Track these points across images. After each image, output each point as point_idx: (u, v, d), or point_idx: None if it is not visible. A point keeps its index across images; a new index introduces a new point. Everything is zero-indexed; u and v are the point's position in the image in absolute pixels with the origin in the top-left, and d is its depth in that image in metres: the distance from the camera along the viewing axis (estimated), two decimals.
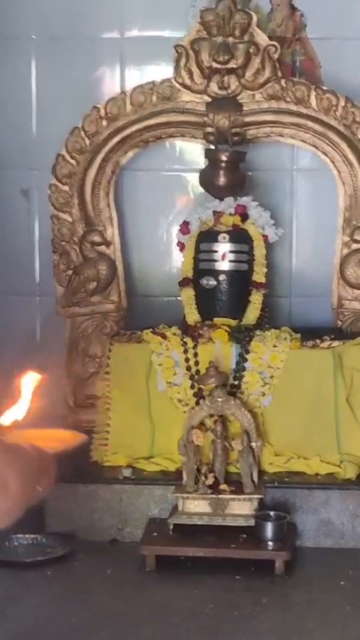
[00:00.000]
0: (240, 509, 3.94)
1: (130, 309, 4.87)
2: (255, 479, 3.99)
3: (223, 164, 4.63)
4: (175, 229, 4.76)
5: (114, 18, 4.92)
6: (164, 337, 4.33)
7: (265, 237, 4.57)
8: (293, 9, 4.88)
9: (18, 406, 2.20)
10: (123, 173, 4.87)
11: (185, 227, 4.63)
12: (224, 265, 4.52)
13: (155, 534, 3.94)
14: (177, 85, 4.66)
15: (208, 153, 4.72)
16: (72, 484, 4.15)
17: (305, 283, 4.97)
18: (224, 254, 4.52)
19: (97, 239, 4.77)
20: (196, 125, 4.69)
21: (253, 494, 3.95)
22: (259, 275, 4.54)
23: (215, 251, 4.53)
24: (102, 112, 4.67)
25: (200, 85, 4.64)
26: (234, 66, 4.57)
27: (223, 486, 3.97)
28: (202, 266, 4.56)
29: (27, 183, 5.03)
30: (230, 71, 4.59)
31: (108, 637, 3.37)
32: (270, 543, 3.83)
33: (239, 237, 4.54)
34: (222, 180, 4.64)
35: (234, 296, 4.51)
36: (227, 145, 4.66)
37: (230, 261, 4.52)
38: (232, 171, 4.65)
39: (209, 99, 4.65)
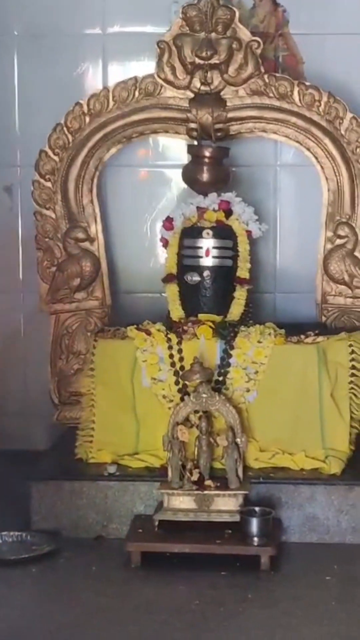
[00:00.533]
0: (226, 504, 3.94)
1: (114, 305, 4.86)
2: (240, 474, 3.99)
3: (206, 160, 4.63)
4: (159, 225, 4.75)
5: (96, 14, 4.92)
6: (149, 333, 4.33)
7: (249, 232, 4.57)
8: (275, 4, 4.88)
9: None
10: (106, 169, 4.86)
11: (168, 223, 4.62)
12: (208, 261, 4.51)
13: (140, 530, 3.93)
14: (160, 81, 4.66)
15: (191, 149, 4.71)
16: (57, 481, 4.15)
17: (290, 279, 4.98)
18: (207, 249, 4.51)
19: (80, 235, 4.77)
20: (179, 121, 4.69)
21: (238, 490, 3.95)
22: (243, 271, 4.54)
23: (199, 247, 4.52)
24: (85, 108, 4.66)
25: (183, 81, 4.64)
26: (217, 62, 4.57)
27: (208, 482, 3.97)
28: (186, 262, 4.55)
29: (10, 180, 5.03)
30: (213, 67, 4.59)
31: (94, 634, 3.36)
32: (255, 539, 3.83)
33: (223, 233, 4.54)
34: (205, 176, 4.64)
35: (218, 292, 4.50)
36: (211, 141, 4.66)
37: (214, 257, 4.51)
38: (215, 167, 4.65)
39: (191, 95, 4.64)
